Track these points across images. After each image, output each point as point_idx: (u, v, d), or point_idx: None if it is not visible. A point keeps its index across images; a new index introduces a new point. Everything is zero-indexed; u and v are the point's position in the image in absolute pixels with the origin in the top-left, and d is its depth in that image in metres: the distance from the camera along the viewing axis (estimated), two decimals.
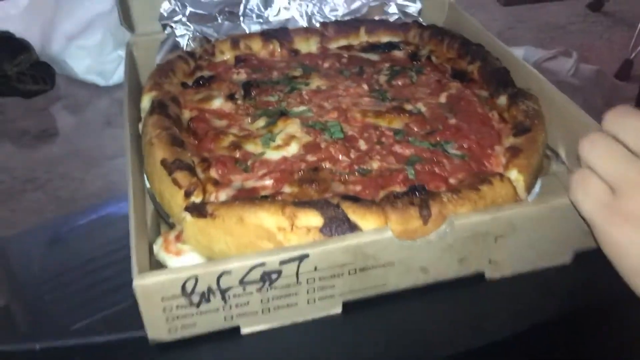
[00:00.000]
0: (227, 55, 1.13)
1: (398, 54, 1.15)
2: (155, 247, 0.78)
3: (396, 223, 0.72)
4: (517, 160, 0.82)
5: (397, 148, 0.87)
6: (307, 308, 0.73)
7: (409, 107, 0.97)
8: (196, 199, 0.79)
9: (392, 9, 1.26)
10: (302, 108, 0.97)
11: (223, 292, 0.68)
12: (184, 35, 1.17)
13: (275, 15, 1.24)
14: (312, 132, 0.90)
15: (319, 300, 0.73)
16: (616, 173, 0.56)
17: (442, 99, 0.99)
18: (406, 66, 1.09)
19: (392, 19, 1.25)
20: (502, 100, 0.96)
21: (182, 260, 0.77)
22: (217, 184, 0.81)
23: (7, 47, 1.30)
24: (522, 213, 0.74)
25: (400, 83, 1.04)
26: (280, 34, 1.16)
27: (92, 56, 1.36)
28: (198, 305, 0.68)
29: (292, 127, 0.92)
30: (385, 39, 1.18)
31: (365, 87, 1.03)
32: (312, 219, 0.71)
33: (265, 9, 1.23)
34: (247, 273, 0.67)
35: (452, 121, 0.93)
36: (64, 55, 1.36)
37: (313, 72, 1.08)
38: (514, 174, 0.81)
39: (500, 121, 0.93)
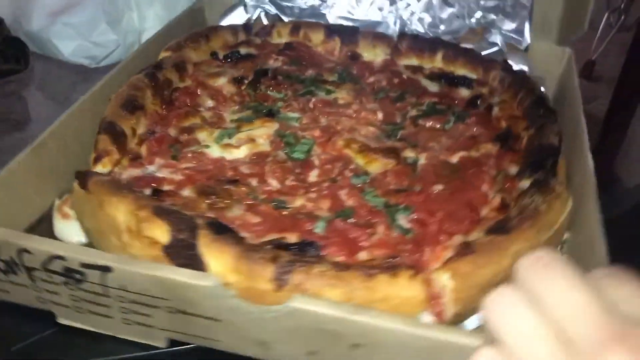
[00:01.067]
0: (284, 39, 1.04)
1: (463, 92, 0.94)
2: (55, 206, 0.75)
3: (242, 276, 0.58)
4: (458, 262, 0.61)
5: (342, 193, 0.71)
6: (125, 327, 0.63)
7: (407, 154, 0.79)
8: (102, 167, 0.73)
9: (495, 37, 1.03)
10: (294, 115, 0.85)
11: (28, 271, 0.61)
12: (255, 7, 1.10)
13: (365, 14, 1.10)
14: (275, 143, 0.79)
15: (136, 324, 0.62)
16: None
17: (455, 158, 0.78)
18: (452, 108, 0.89)
19: (489, 50, 1.03)
20: (524, 184, 0.72)
21: (65, 224, 0.74)
22: (134, 160, 0.74)
23: None
24: (385, 326, 0.55)
25: (427, 124, 0.85)
26: (346, 32, 1.03)
27: (82, 36, 1.14)
28: (5, 273, 0.62)
29: (263, 130, 0.81)
30: (461, 71, 0.98)
31: (380, 115, 0.86)
32: (160, 232, 0.61)
33: (354, 5, 1.10)
34: (48, 261, 0.59)
35: (437, 188, 0.73)
36: (48, 33, 1.13)
37: (348, 82, 0.94)
38: (443, 278, 0.61)
39: (497, 210, 0.70)
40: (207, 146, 0.77)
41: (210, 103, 0.88)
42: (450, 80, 0.95)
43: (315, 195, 0.71)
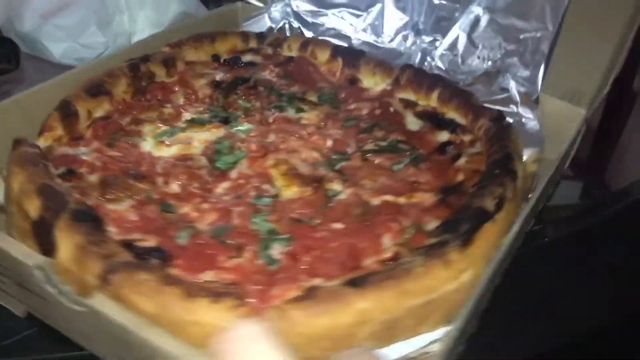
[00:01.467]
0: (293, 53, 1.04)
1: (442, 136, 0.87)
2: None
3: (76, 266, 0.60)
4: (291, 305, 0.58)
5: (235, 211, 0.70)
6: None
7: (332, 186, 0.76)
8: (44, 141, 0.79)
9: (509, 82, 0.95)
10: (248, 126, 0.85)
11: None
12: (281, 19, 1.11)
13: (390, 40, 1.07)
14: (209, 149, 0.79)
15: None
16: None
17: (377, 200, 0.73)
18: (413, 150, 0.83)
19: (499, 96, 0.95)
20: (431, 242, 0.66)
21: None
22: (73, 139, 0.79)
23: None
24: (163, 348, 0.53)
25: (376, 161, 0.81)
26: (350, 55, 1.00)
27: (72, 37, 1.15)
28: None
29: (206, 135, 0.83)
30: (452, 114, 0.91)
31: (329, 143, 0.83)
32: (32, 208, 0.65)
33: (380, 31, 1.07)
34: None
35: (336, 226, 0.69)
36: (39, 35, 1.14)
37: (325, 104, 0.92)
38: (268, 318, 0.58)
39: (384, 262, 0.65)
40: (144, 140, 0.80)
41: (181, 101, 0.90)
42: (436, 121, 0.89)
43: (207, 207, 0.70)
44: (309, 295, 0.58)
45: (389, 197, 0.74)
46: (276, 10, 1.11)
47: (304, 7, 1.10)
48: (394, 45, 1.06)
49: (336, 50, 1.01)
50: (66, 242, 0.61)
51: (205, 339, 0.52)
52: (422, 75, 0.95)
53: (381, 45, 1.07)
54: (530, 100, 0.93)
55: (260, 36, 1.06)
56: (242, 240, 0.66)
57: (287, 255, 0.65)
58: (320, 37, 1.08)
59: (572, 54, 0.92)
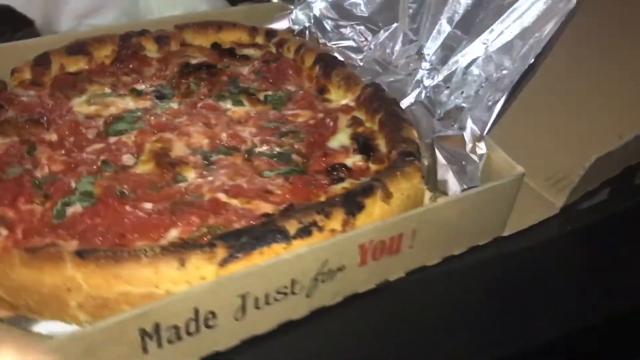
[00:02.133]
0: (291, 54, 1.04)
1: (352, 159, 0.81)
2: None
3: None
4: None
5: (79, 169, 0.75)
6: None
7: (185, 172, 0.77)
8: (12, 80, 0.93)
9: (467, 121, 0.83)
10: (170, 105, 0.89)
11: None
12: (302, 23, 1.12)
13: (396, 61, 1.00)
14: (112, 116, 0.86)
15: None
16: None
17: (209, 195, 0.72)
18: (300, 165, 0.79)
19: (455, 133, 0.84)
20: None
21: None
22: (32, 84, 0.92)
23: (7, 22, 1.13)
24: None
25: (256, 163, 0.79)
26: (326, 65, 0.97)
27: None
28: None
29: (128, 104, 0.90)
30: (380, 141, 0.83)
31: (223, 135, 0.83)
32: None
33: (390, 51, 1.01)
34: None
35: (145, 206, 0.70)
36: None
37: (268, 105, 0.92)
38: None
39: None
40: (78, 96, 0.89)
41: (149, 73, 0.97)
42: (362, 145, 0.83)
43: (62, 158, 0.77)
44: (35, 248, 0.61)
45: (221, 196, 0.71)
46: (299, 13, 1.11)
47: (326, 14, 1.09)
48: (398, 66, 0.99)
49: (319, 58, 0.98)
50: None
51: None
52: (375, 97, 0.88)
53: (387, 65, 1.00)
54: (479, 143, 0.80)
55: (270, 33, 1.08)
56: (57, 192, 0.71)
57: (77, 215, 0.68)
58: (333, 45, 1.06)
59: None
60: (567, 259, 0.81)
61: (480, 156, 0.79)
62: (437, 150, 0.80)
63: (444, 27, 0.94)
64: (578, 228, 0.83)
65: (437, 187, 0.79)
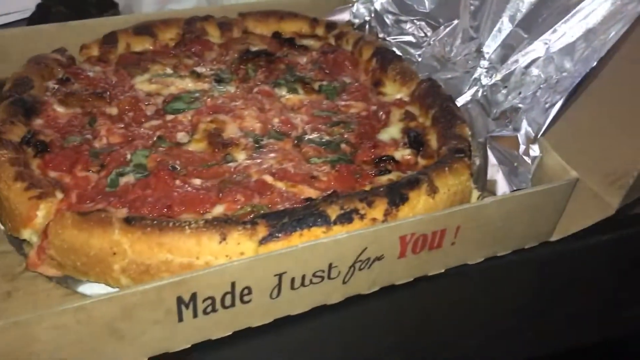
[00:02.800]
0: (349, 46, 1.05)
1: (401, 152, 0.81)
2: None
3: None
4: (68, 213, 0.65)
5: (135, 142, 0.78)
6: None
7: (235, 153, 0.78)
8: (81, 56, 0.97)
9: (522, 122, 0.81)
10: (227, 88, 0.91)
11: None
12: (363, 16, 1.12)
13: (455, 58, 0.99)
14: (171, 96, 0.88)
15: None
16: None
17: (257, 176, 0.74)
18: (347, 155, 0.79)
19: (509, 134, 0.82)
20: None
21: None
22: (98, 60, 0.96)
23: (94, 3, 1.18)
24: None
25: (304, 149, 0.80)
26: (384, 59, 0.97)
27: None
28: None
29: (188, 85, 0.92)
30: (431, 137, 0.83)
31: (276, 121, 0.84)
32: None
33: (450, 47, 1.00)
34: None
35: (195, 181, 0.72)
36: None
37: (322, 94, 0.93)
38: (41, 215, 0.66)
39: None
40: (141, 74, 0.92)
41: (210, 57, 1.00)
42: (413, 140, 0.82)
43: (120, 132, 0.80)
44: (87, 212, 0.63)
45: (268, 178, 0.72)
46: (360, 7, 1.11)
47: (387, 9, 1.09)
48: (457, 64, 0.98)
49: (376, 51, 0.98)
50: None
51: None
52: (431, 92, 0.88)
53: (446, 62, 0.99)
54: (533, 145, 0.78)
55: (330, 25, 1.08)
56: (113, 162, 0.74)
57: (129, 185, 0.70)
58: (392, 40, 1.05)
59: None
60: (615, 264, 0.78)
61: (533, 158, 0.77)
62: (489, 150, 0.78)
63: (506, 26, 0.92)
64: (629, 234, 0.80)
65: (487, 187, 0.77)
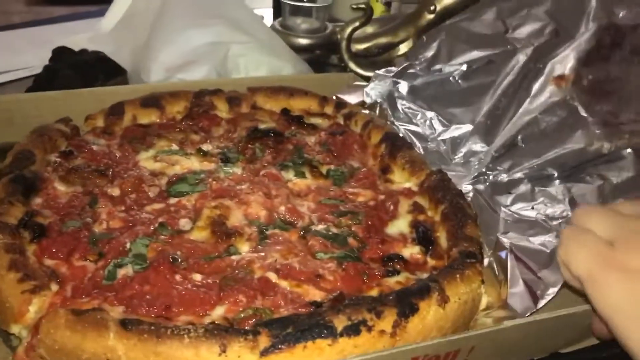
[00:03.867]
0: (358, 128, 1.04)
1: (409, 250, 0.79)
2: None
3: None
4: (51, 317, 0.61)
5: (136, 228, 0.76)
6: None
7: (239, 245, 0.76)
8: (86, 126, 0.96)
9: None
10: (234, 170, 0.89)
11: None
12: (376, 99, 1.10)
13: (460, 160, 0.97)
14: (176, 176, 0.86)
15: None
16: (614, 227, 0.58)
17: (260, 273, 0.71)
18: (356, 250, 0.77)
19: None
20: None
21: None
22: (102, 132, 0.95)
23: (102, 68, 1.19)
24: None
25: (310, 242, 0.77)
26: (393, 145, 0.96)
27: None
28: None
29: (193, 164, 0.90)
30: (441, 234, 0.81)
31: (282, 209, 0.82)
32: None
33: (457, 149, 0.98)
34: None
35: (195, 277, 0.70)
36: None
37: (329, 179, 0.91)
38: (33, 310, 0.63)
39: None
40: (146, 150, 0.90)
41: (217, 133, 0.98)
42: (422, 236, 0.80)
43: (121, 215, 0.78)
44: (82, 311, 0.60)
45: (272, 275, 0.70)
46: (374, 89, 1.10)
47: (402, 97, 1.07)
48: (460, 164, 0.95)
49: (385, 137, 0.97)
50: None
51: None
52: (441, 186, 0.86)
53: (450, 161, 0.97)
54: None
55: (340, 105, 1.07)
56: (111, 251, 0.71)
57: (127, 278, 0.67)
58: (400, 126, 1.03)
59: None
60: None
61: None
62: (509, 259, 0.75)
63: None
64: None
65: (499, 290, 0.75)
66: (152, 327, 0.59)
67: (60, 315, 0.60)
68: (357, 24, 1.32)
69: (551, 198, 0.85)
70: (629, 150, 0.91)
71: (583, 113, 0.91)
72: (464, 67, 1.03)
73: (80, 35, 1.33)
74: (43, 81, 1.13)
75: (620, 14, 0.96)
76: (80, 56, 1.17)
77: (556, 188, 0.86)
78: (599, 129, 0.91)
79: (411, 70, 1.07)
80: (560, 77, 0.97)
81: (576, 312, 0.67)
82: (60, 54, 1.17)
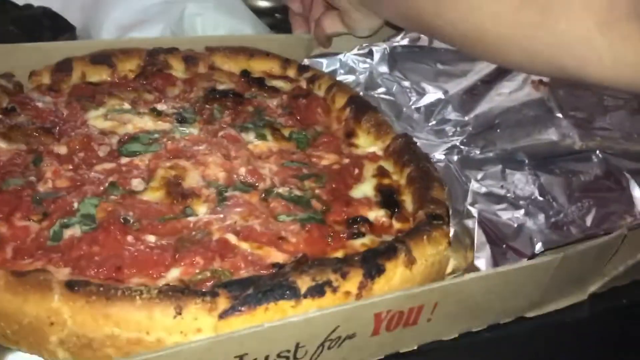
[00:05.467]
0: (322, 91, 1.00)
1: (375, 213, 0.76)
2: None
3: None
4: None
5: (84, 188, 0.71)
6: None
7: (196, 206, 0.72)
8: (30, 83, 0.89)
9: None
10: (189, 130, 0.85)
11: None
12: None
13: (435, 128, 0.94)
14: (128, 135, 0.81)
15: None
16: None
17: (218, 235, 0.67)
18: (319, 213, 0.74)
19: None
20: None
21: None
22: (48, 89, 0.88)
23: (49, 25, 1.10)
24: None
25: (272, 205, 0.74)
26: (358, 108, 0.92)
27: None
28: None
29: (146, 124, 0.85)
30: (407, 198, 0.78)
31: (242, 170, 0.78)
32: None
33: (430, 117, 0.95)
34: None
35: (149, 238, 0.65)
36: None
37: (292, 142, 0.87)
38: None
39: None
40: (95, 109, 0.85)
41: (172, 93, 0.93)
42: (387, 199, 0.77)
43: (68, 174, 0.73)
44: (23, 272, 0.56)
45: (231, 237, 0.66)
46: (351, 59, 1.05)
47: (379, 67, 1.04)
48: (433, 132, 0.93)
49: (350, 100, 0.94)
50: None
51: None
52: (407, 149, 0.83)
53: (422, 128, 0.94)
54: None
55: (303, 68, 1.04)
56: (57, 211, 0.66)
57: (74, 239, 0.63)
58: (372, 93, 1.00)
59: None
60: (592, 343, 0.75)
61: None
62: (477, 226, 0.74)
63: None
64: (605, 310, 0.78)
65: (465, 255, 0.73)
66: (101, 289, 0.55)
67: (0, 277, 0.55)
68: None
69: (520, 181, 0.84)
70: (598, 152, 0.91)
71: (558, 114, 0.92)
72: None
73: None
74: None
75: None
76: (25, 11, 1.09)
77: (526, 174, 0.85)
78: (572, 129, 0.91)
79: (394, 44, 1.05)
80: (539, 82, 0.99)
81: (536, 263, 0.67)
82: (2, 7, 1.09)
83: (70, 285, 0.55)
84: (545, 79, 0.99)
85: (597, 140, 0.93)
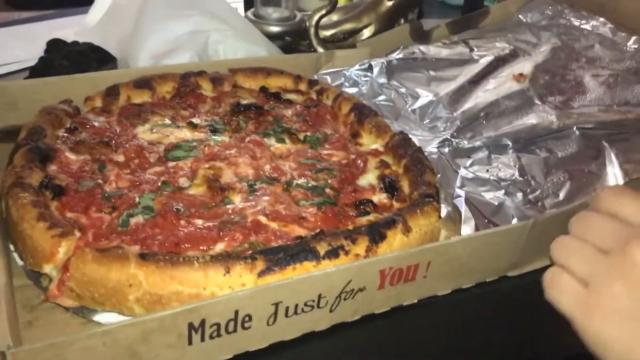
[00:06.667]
0: (329, 101, 1.16)
1: (378, 197, 0.92)
2: None
3: None
4: (81, 252, 0.73)
5: (142, 186, 0.87)
6: None
7: (232, 197, 0.88)
8: (85, 107, 1.07)
9: None
10: (221, 138, 1.01)
11: None
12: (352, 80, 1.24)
13: (429, 127, 1.11)
14: (172, 144, 0.98)
15: None
16: (586, 269, 0.56)
17: (252, 217, 0.83)
18: (331, 198, 0.90)
19: None
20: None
21: None
22: (101, 111, 1.05)
23: (94, 57, 1.28)
24: None
25: (293, 193, 0.90)
26: (361, 113, 1.09)
27: None
28: None
29: (185, 134, 1.01)
30: (404, 184, 0.94)
31: (267, 167, 0.94)
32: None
33: (424, 117, 1.13)
34: None
35: (197, 222, 0.82)
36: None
37: (306, 144, 1.03)
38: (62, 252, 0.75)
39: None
40: (142, 124, 1.02)
41: (204, 109, 1.10)
42: (388, 185, 0.93)
43: (127, 177, 0.89)
44: (105, 249, 0.72)
45: (262, 218, 0.82)
46: (354, 74, 1.23)
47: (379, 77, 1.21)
48: (427, 129, 1.09)
49: (354, 107, 1.10)
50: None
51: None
52: (402, 144, 0.99)
53: (418, 126, 1.10)
54: None
55: (312, 82, 1.20)
56: (123, 205, 0.82)
57: (139, 225, 0.79)
58: (372, 100, 1.17)
59: None
60: None
61: None
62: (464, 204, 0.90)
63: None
64: None
65: (454, 227, 0.88)
66: (167, 257, 0.71)
67: (86, 253, 0.71)
68: (323, 12, 1.44)
69: (504, 164, 1.00)
70: (574, 128, 1.07)
71: (537, 101, 1.11)
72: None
73: (67, 30, 1.43)
74: (39, 72, 1.23)
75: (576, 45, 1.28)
76: (73, 47, 1.27)
77: (509, 156, 1.01)
78: (551, 112, 1.09)
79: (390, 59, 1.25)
80: (520, 74, 1.17)
81: (510, 227, 0.82)
82: (54, 45, 1.27)
83: (143, 256, 0.71)
84: (525, 72, 1.16)
85: (573, 117, 1.10)
